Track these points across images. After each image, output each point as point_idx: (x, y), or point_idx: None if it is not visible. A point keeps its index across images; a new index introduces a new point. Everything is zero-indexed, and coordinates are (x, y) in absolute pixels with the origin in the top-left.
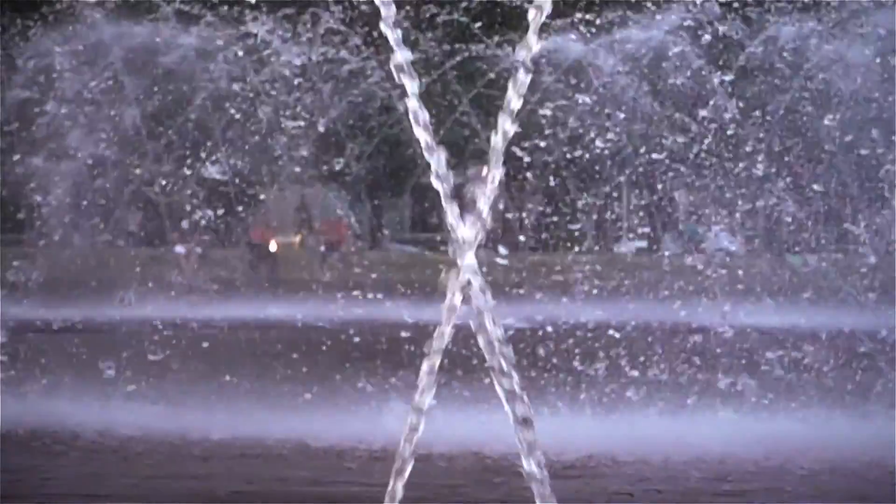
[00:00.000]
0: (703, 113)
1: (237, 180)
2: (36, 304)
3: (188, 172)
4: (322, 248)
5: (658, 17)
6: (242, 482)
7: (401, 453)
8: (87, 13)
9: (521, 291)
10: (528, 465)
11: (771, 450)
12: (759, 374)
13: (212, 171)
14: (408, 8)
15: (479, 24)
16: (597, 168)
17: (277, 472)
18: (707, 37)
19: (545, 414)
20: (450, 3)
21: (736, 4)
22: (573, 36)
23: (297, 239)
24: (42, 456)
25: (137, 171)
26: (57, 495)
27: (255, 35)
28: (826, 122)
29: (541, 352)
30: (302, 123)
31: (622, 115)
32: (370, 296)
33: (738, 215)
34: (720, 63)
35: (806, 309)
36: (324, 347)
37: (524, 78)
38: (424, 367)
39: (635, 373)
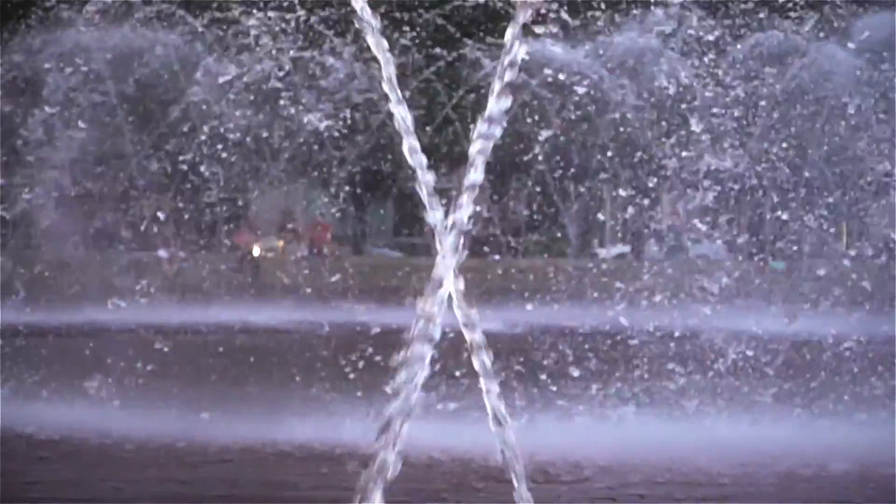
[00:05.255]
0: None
1: (220, 185)
2: (18, 307)
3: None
4: (304, 252)
5: (640, 20)
6: (227, 487)
7: (382, 457)
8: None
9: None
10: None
11: (756, 453)
12: (748, 377)
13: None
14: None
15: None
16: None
17: (262, 477)
18: (691, 40)
19: (527, 419)
20: (432, 5)
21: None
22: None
23: (280, 243)
24: (26, 460)
25: (120, 174)
26: (41, 499)
27: (241, 38)
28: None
29: (523, 357)
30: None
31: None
32: (354, 300)
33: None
34: (705, 67)
35: (798, 312)
36: (306, 351)
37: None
38: (406, 371)
39: (618, 377)
